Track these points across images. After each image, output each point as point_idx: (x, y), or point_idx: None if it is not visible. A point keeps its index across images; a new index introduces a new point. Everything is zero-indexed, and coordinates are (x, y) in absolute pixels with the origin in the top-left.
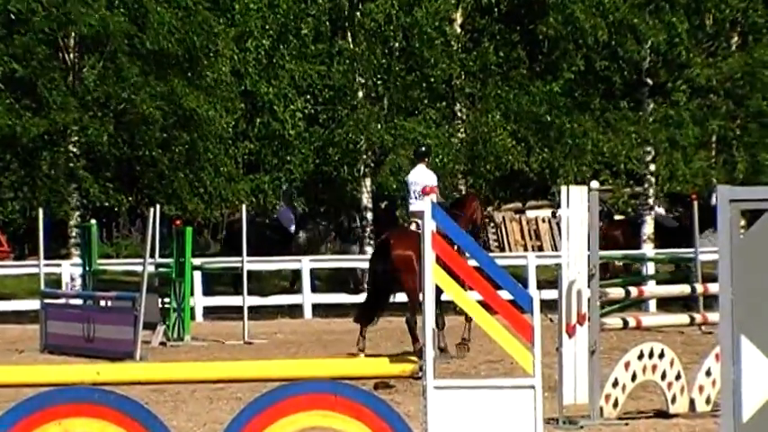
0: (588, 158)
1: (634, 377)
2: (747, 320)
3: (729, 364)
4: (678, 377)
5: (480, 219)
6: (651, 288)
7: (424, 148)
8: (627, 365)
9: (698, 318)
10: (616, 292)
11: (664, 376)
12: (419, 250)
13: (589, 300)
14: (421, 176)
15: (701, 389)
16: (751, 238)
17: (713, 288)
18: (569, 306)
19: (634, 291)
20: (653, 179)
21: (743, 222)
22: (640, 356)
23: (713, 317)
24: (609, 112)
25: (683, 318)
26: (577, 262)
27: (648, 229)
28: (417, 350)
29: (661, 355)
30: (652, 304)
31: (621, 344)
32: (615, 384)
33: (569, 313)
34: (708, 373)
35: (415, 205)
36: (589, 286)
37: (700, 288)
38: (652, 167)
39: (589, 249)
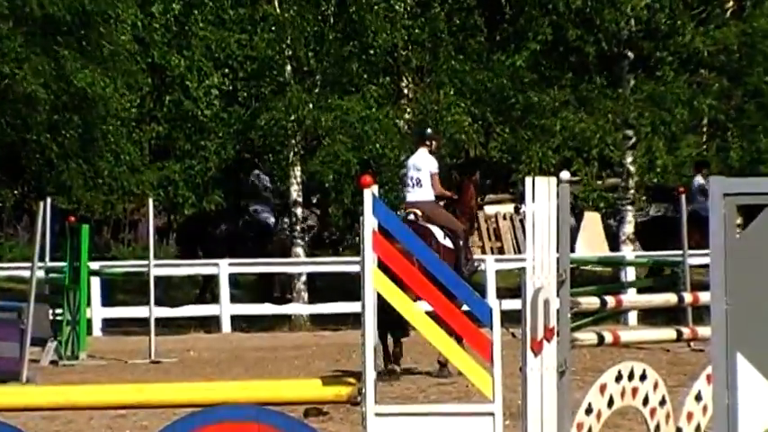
0: (556, 141)
1: (611, 402)
2: (745, 335)
3: (723, 388)
4: (663, 402)
5: (475, 209)
6: (631, 297)
7: (429, 130)
8: (602, 389)
9: (686, 332)
10: (590, 302)
11: (646, 401)
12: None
13: (558, 311)
14: (421, 162)
15: (689, 416)
16: (749, 237)
17: (704, 297)
18: (535, 318)
19: (611, 300)
20: (632, 168)
21: (739, 221)
22: (618, 378)
23: (704, 331)
24: (582, 89)
25: (668, 332)
26: (544, 266)
27: (628, 228)
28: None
29: (643, 377)
30: (632, 316)
31: (596, 363)
32: (589, 411)
33: (535, 327)
34: (698, 398)
35: (412, 194)
36: (558, 295)
37: (688, 297)
38: (631, 155)
39: (558, 251)
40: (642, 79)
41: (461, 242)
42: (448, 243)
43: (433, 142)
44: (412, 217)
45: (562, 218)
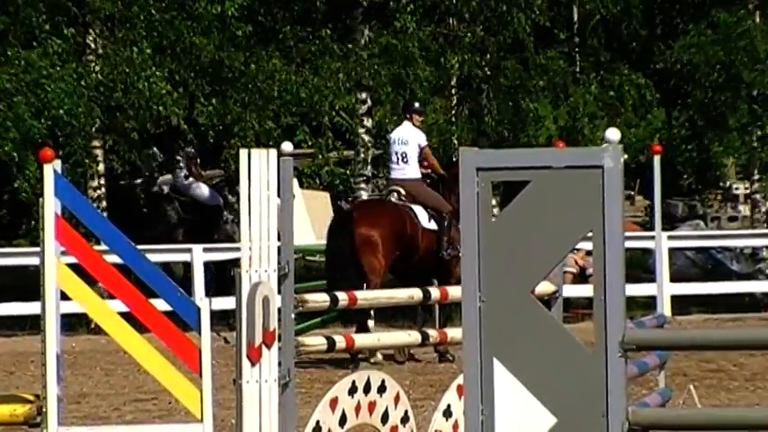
0: (275, 108)
1: (343, 420)
2: (503, 338)
3: (477, 401)
4: (405, 419)
5: None
6: (367, 293)
7: (416, 104)
8: (333, 403)
9: (433, 335)
10: (318, 300)
11: (385, 418)
12: (391, 227)
13: (280, 311)
14: (407, 135)
15: None
16: (507, 220)
17: (455, 293)
18: (252, 320)
19: (343, 297)
20: (368, 139)
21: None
22: (352, 390)
23: (455, 334)
24: (305, 44)
25: (411, 336)
26: (263, 256)
27: None
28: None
29: (381, 389)
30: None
31: (326, 373)
32: (317, 430)
33: (252, 330)
34: (447, 413)
35: (397, 171)
36: (280, 291)
37: (436, 293)
38: (369, 123)
39: (280, 239)
40: (377, 31)
41: (446, 223)
42: (432, 225)
43: (418, 115)
44: (395, 196)
45: (284, 198)
